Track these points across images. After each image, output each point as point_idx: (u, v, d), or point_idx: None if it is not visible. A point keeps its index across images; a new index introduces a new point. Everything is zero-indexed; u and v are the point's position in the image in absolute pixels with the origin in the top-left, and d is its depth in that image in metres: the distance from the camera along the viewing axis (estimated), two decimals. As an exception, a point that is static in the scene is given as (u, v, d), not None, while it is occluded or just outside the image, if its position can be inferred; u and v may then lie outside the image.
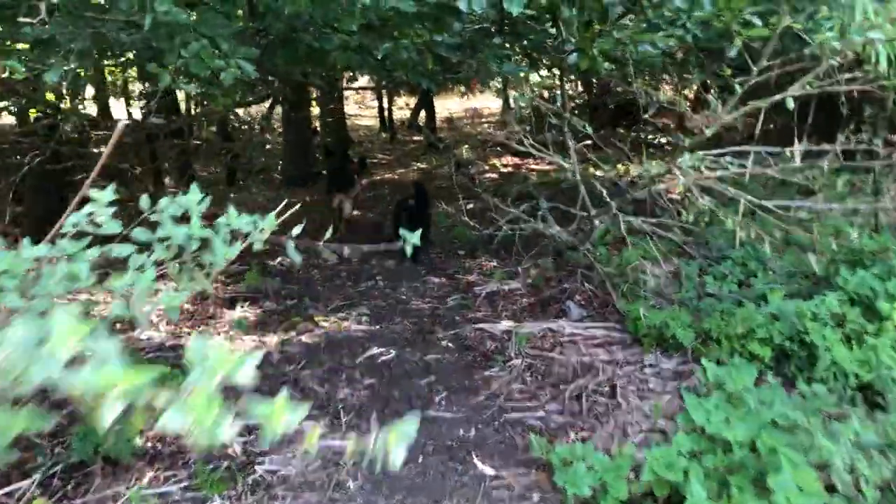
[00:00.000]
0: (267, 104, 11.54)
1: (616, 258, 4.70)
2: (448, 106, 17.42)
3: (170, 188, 9.54)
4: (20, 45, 3.14)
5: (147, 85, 7.21)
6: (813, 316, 3.27)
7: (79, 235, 1.35)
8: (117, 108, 13.00)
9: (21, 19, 2.04)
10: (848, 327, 3.27)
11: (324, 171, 9.09)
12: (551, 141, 4.98)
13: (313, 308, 4.80)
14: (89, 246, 1.27)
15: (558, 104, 4.91)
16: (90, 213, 1.25)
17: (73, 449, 2.78)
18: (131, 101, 10.25)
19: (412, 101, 15.72)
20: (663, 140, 10.68)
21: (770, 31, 3.24)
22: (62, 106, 5.54)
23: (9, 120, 8.09)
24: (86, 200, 1.44)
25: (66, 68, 2.63)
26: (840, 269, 3.61)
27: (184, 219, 1.26)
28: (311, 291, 5.14)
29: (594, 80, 11.62)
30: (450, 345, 4.13)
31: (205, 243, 1.27)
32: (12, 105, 5.72)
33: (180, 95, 9.52)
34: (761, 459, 2.32)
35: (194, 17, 2.54)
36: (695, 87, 9.54)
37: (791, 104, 3.28)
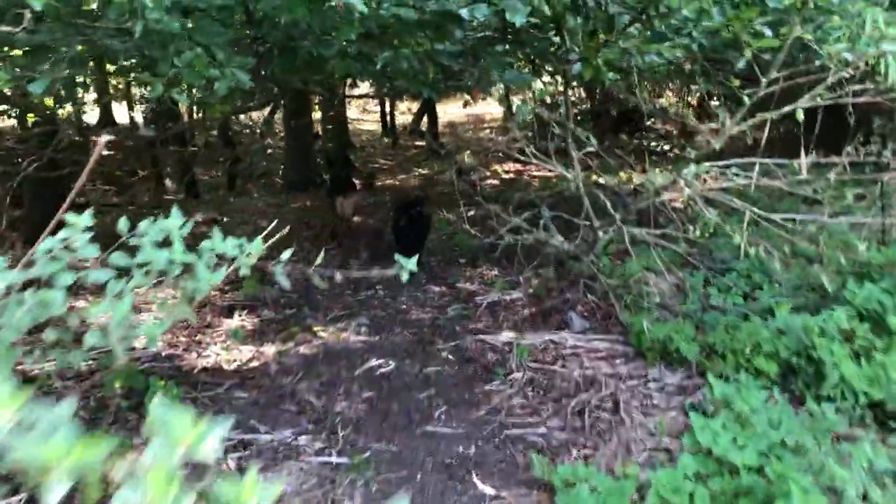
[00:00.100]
0: (268, 109, 11.53)
1: (619, 269, 4.63)
2: (450, 111, 17.37)
3: (170, 192, 9.52)
4: (13, 52, 3.09)
5: (148, 89, 7.18)
6: (820, 331, 3.20)
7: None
8: (120, 112, 13.01)
9: (4, 28, 1.98)
10: (857, 343, 3.19)
11: (325, 177, 9.06)
12: (553, 149, 4.91)
13: (312, 318, 4.73)
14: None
15: (561, 111, 4.84)
16: (64, 239, 1.19)
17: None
18: (133, 106, 10.24)
19: (414, 106, 15.69)
20: (666, 147, 10.63)
21: (780, 42, 3.17)
22: (59, 112, 5.49)
23: (11, 121, 8.07)
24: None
25: (58, 76, 2.57)
26: (848, 283, 3.54)
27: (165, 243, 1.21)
28: (310, 300, 5.07)
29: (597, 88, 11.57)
30: (450, 356, 4.06)
31: (188, 268, 1.21)
32: (10, 111, 5.67)
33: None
34: (770, 484, 2.25)
35: (190, 25, 2.49)
36: (698, 95, 9.48)
37: (801, 116, 3.21)
